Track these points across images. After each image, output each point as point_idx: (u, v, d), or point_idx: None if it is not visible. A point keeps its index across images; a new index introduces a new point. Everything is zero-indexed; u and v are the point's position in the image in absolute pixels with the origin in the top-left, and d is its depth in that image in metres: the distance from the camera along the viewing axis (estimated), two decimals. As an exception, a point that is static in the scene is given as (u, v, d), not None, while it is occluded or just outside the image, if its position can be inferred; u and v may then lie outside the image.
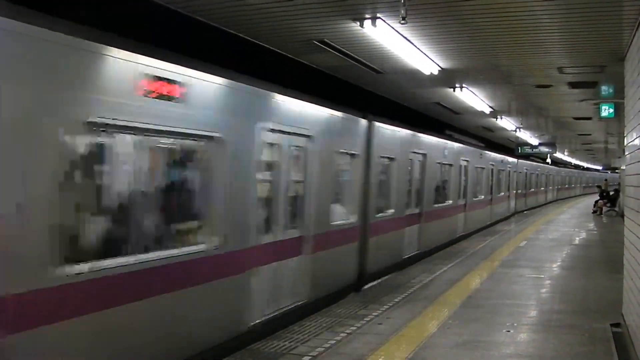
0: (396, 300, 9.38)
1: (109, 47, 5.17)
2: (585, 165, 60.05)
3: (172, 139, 6.02)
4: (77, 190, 4.95)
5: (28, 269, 4.44)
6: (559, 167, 50.51)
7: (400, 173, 12.78)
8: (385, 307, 8.90)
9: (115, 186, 5.46)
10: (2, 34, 4.26)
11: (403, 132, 12.95)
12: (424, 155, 14.40)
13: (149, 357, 5.62)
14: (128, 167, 5.54)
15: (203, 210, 6.54)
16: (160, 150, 5.97)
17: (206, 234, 6.46)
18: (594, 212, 32.03)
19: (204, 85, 6.36)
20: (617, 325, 7.92)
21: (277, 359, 6.59)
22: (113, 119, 5.12)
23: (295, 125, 8.26)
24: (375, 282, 11.17)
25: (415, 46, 8.79)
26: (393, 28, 7.76)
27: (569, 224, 25.75)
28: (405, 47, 8.62)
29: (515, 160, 28.83)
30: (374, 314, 8.47)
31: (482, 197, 22.15)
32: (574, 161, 51.05)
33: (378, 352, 6.75)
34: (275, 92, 7.83)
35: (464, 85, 12.48)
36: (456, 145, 17.91)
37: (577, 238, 20.31)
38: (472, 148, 20.34)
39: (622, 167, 25.06)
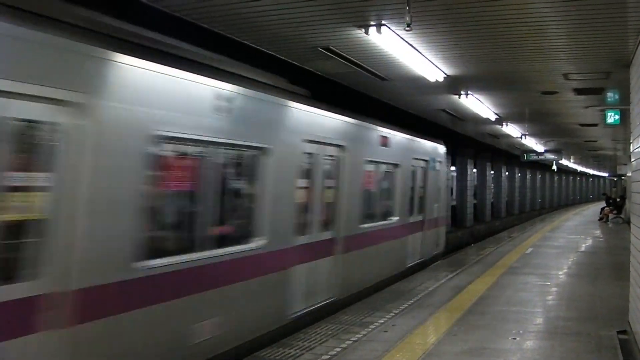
0: (402, 307, 9.36)
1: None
2: (592, 172, 59.96)
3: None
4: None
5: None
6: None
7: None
8: (390, 314, 8.88)
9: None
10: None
11: None
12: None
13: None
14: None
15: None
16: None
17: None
18: (600, 219, 31.94)
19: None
20: (624, 332, 7.89)
21: (282, 365, 6.60)
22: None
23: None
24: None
25: (421, 53, 8.80)
26: (398, 35, 7.77)
27: (575, 231, 25.68)
28: (410, 54, 8.63)
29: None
30: (379, 321, 8.44)
31: None
32: (580, 168, 50.96)
33: (383, 359, 6.74)
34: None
35: (469, 92, 12.48)
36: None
37: (583, 245, 20.23)
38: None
39: (628, 174, 24.99)
